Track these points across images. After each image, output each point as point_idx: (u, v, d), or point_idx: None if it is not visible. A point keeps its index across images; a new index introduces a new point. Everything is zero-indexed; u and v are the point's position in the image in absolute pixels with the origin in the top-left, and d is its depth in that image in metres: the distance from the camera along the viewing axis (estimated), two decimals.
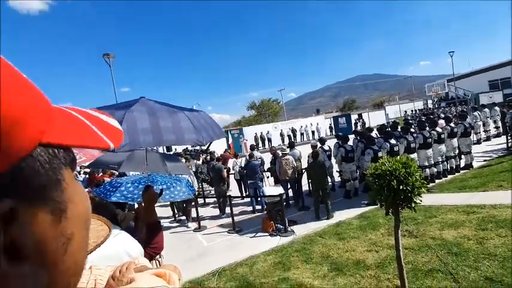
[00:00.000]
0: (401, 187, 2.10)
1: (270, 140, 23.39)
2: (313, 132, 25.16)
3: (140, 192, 2.37)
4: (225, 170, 7.48)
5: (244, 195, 7.99)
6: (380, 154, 6.21)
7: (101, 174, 7.06)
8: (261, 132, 23.37)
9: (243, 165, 8.01)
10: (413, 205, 2.22)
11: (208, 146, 9.22)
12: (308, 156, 6.62)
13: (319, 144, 7.40)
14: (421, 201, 2.34)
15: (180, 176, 3.19)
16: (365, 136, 6.92)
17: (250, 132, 23.40)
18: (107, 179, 6.50)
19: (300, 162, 7.28)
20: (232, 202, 6.05)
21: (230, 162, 9.23)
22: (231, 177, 8.34)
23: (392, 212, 2.32)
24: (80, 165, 7.40)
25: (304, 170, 7.03)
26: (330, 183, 6.92)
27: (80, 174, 9.32)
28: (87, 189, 6.79)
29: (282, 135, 24.10)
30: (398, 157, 2.39)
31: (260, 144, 21.44)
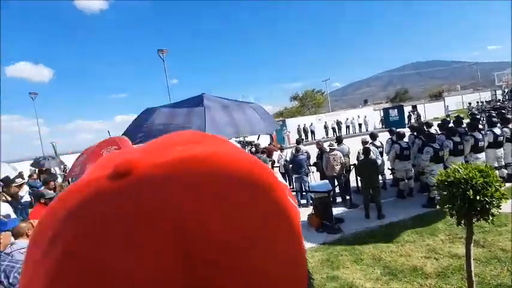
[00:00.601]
0: (478, 197, 1.91)
1: (313, 133, 22.87)
2: (360, 125, 23.89)
3: None
4: (270, 163, 7.55)
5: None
6: (441, 153, 5.69)
7: None
8: (304, 124, 22.94)
9: (288, 159, 8.00)
10: (490, 218, 2.01)
11: (258, 138, 9.35)
12: (358, 153, 6.34)
13: (370, 140, 7.03)
14: (499, 213, 2.11)
15: None
16: (423, 132, 6.38)
17: (293, 124, 23.15)
18: None
19: (349, 158, 7.02)
20: None
21: (275, 155, 9.28)
22: (276, 170, 8.40)
23: (464, 223, 2.13)
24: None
25: (352, 167, 6.77)
26: (381, 181, 6.56)
27: None
28: None
29: (326, 127, 23.38)
30: (474, 164, 2.16)
31: (303, 137, 21.10)
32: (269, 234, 0.21)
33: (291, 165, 7.38)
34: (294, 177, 7.25)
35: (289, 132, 22.03)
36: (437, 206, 5.20)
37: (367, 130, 22.82)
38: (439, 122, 7.37)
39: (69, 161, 11.24)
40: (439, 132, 6.64)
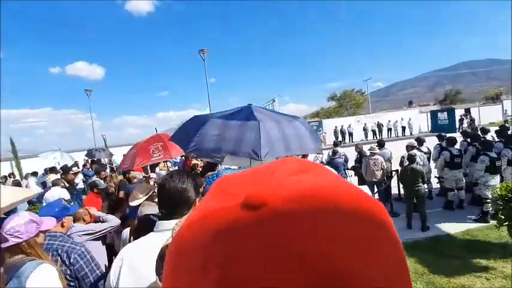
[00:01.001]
0: None
1: (351, 135, 22.00)
2: (403, 128, 22.39)
3: None
4: None
5: None
6: (498, 163, 5.12)
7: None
8: (342, 126, 22.13)
9: (324, 161, 7.80)
10: None
11: None
12: (402, 158, 5.97)
13: (416, 145, 6.57)
14: None
15: None
16: (478, 138, 5.80)
17: (329, 125, 22.49)
18: (194, 162, 7.29)
19: (390, 163, 6.64)
20: None
21: (310, 156, 9.11)
22: None
23: None
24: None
25: (394, 173, 6.39)
26: (426, 190, 6.11)
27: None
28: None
29: (365, 129, 22.32)
30: None
31: (340, 138, 20.40)
32: (391, 266, 0.23)
33: None
34: None
35: (325, 133, 21.45)
36: (492, 221, 4.72)
37: (411, 134, 21.36)
38: (497, 127, 6.65)
39: (117, 153, 12.21)
40: (497, 140, 5.99)
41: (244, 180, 0.28)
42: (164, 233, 1.06)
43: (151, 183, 4.19)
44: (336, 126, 22.02)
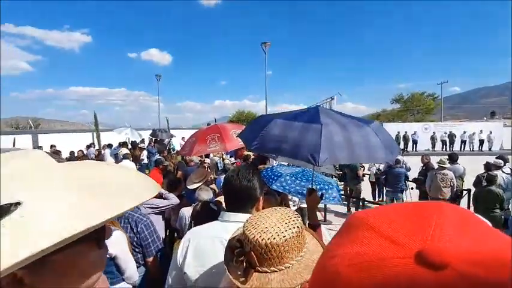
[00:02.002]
0: None
1: (415, 143, 20.02)
2: (481, 141, 19.53)
3: (296, 187, 2.56)
4: (362, 170, 7.03)
5: (377, 200, 7.32)
6: None
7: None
8: (405, 132, 20.22)
9: (381, 168, 7.28)
10: None
11: None
12: (480, 176, 5.21)
13: (501, 164, 5.66)
14: None
15: (330, 178, 3.23)
16: None
17: (391, 130, 20.64)
18: (246, 153, 7.46)
19: (462, 180, 5.87)
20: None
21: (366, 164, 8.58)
22: (365, 178, 7.77)
23: None
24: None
25: (465, 192, 5.64)
26: (502, 217, 5.26)
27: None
28: (235, 161, 8.05)
29: (433, 139, 20.06)
30: None
31: (401, 145, 18.73)
32: None
33: (383, 176, 6.69)
34: (385, 190, 6.57)
35: None
36: None
37: (489, 150, 18.57)
38: None
39: (176, 135, 13.22)
40: None
41: (402, 223, 0.26)
42: (229, 223, 1.11)
43: (206, 167, 4.46)
44: (398, 132, 20.19)
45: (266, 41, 15.69)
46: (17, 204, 0.36)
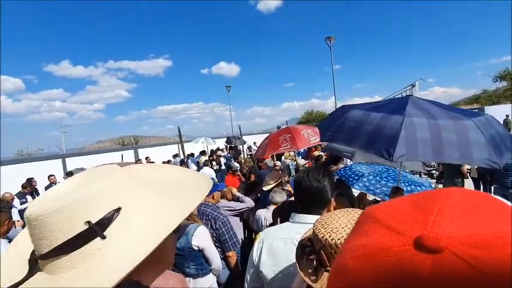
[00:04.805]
0: None
1: None
2: None
3: (382, 187, 2.36)
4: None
5: None
6: None
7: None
8: (507, 116, 16.34)
9: None
10: None
11: None
12: None
13: None
14: None
15: (421, 178, 2.88)
16: None
17: (496, 113, 16.94)
18: (318, 153, 7.24)
19: None
20: None
21: None
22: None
23: None
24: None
25: None
26: None
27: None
28: (306, 161, 7.95)
29: None
30: None
31: (511, 132, 15.21)
32: None
33: (489, 172, 5.56)
34: (493, 187, 5.44)
35: None
36: None
37: None
38: None
39: (248, 140, 13.85)
40: None
41: (405, 214, 0.26)
42: (299, 225, 1.12)
43: (278, 170, 4.55)
44: (507, 116, 16.46)
45: (331, 35, 15.10)
46: (118, 209, 0.44)
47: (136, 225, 0.44)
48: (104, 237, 0.41)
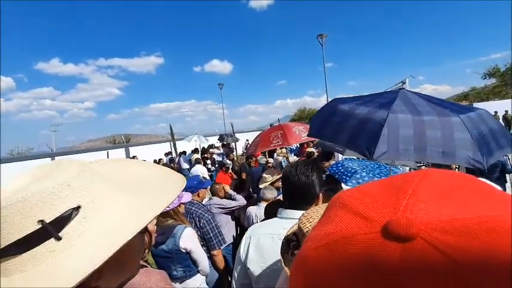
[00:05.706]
0: None
1: None
2: None
3: None
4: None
5: None
6: None
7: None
8: (506, 112, 16.66)
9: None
10: None
11: None
12: None
13: None
14: None
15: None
16: None
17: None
18: (310, 149, 7.25)
19: None
20: None
21: None
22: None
23: None
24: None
25: None
26: None
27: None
28: (298, 158, 7.96)
29: None
30: None
31: None
32: None
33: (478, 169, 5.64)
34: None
35: None
36: None
37: None
38: None
39: (241, 138, 13.81)
40: None
41: (376, 198, 0.23)
42: (287, 220, 1.10)
43: (271, 167, 4.54)
44: (495, 112, 16.68)
45: (322, 33, 15.13)
46: (78, 208, 0.40)
47: (98, 226, 0.40)
48: (59, 238, 0.37)
